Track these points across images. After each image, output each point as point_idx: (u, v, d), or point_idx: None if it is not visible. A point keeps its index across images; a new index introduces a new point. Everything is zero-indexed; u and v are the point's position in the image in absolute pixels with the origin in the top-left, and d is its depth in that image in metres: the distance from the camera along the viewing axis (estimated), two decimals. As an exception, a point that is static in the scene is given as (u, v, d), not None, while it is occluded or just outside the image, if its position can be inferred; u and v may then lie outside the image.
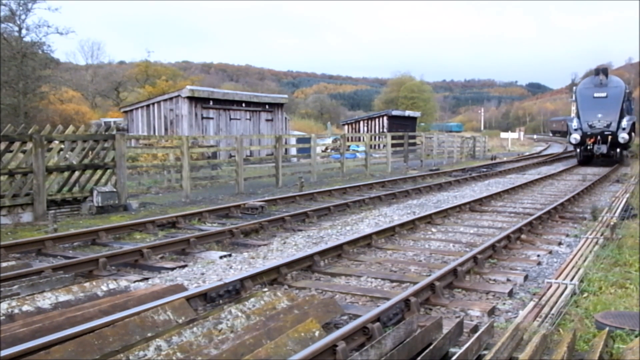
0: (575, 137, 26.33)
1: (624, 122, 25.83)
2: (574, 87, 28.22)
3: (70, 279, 6.21)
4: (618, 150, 26.10)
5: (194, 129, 29.07)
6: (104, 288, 5.67)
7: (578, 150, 26.90)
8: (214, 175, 19.53)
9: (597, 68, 28.12)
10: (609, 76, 27.61)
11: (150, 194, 15.46)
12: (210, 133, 29.63)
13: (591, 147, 25.99)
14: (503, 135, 76.91)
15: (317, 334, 4.26)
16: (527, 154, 42.05)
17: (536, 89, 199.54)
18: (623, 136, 25.52)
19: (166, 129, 29.95)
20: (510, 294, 5.95)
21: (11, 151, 11.23)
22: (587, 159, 27.38)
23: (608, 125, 25.87)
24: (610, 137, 25.66)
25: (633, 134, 26.93)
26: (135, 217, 11.07)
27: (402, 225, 9.46)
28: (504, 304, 5.66)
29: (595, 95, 26.47)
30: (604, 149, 25.69)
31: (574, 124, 26.50)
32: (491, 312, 5.32)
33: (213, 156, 21.79)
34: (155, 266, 7.16)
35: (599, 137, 25.84)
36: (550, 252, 7.98)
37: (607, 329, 4.45)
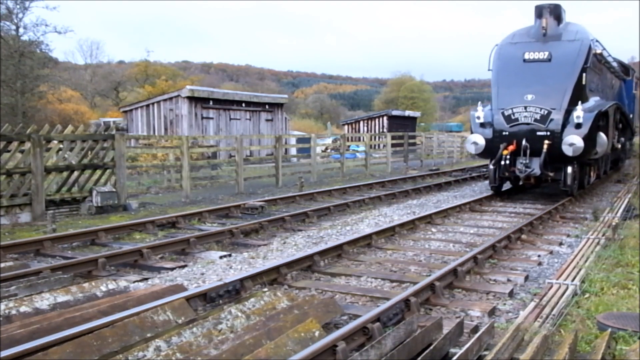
0: (476, 140, 13.02)
1: (579, 114, 12.11)
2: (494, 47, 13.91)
3: (69, 280, 6.18)
4: (570, 169, 12.58)
5: (193, 129, 29.04)
6: (103, 288, 5.64)
7: (492, 166, 13.25)
8: (214, 175, 19.50)
9: (540, 5, 13.62)
10: (563, 21, 13.69)
11: (150, 194, 15.43)
12: (210, 133, 29.60)
13: (510, 161, 12.64)
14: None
15: (317, 334, 4.24)
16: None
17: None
18: (572, 141, 11.97)
19: (166, 129, 29.92)
20: (511, 294, 5.92)
21: (9, 151, 11.19)
22: (514, 182, 14.67)
23: (543, 118, 12.43)
24: (547, 142, 12.26)
25: (601, 138, 12.68)
26: (134, 217, 11.05)
27: (402, 225, 9.43)
28: (505, 304, 5.64)
29: (528, 57, 13.05)
30: (535, 165, 12.42)
31: (478, 113, 13.22)
32: (492, 313, 5.30)
33: (213, 156, 21.76)
34: (155, 266, 7.13)
35: (524, 143, 12.39)
36: (551, 253, 7.95)
37: (609, 330, 4.42)
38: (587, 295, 5.60)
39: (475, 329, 4.67)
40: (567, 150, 11.96)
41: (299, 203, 13.38)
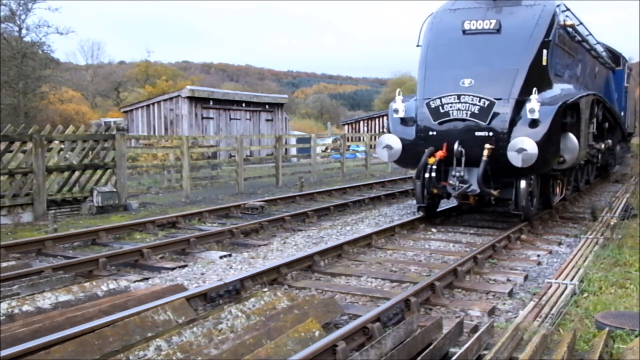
0: (389, 143, 9.44)
1: (533, 106, 8.47)
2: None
3: (70, 279, 6.21)
4: (523, 185, 9.07)
5: (194, 129, 29.07)
6: (104, 288, 5.67)
7: (418, 182, 9.51)
8: (214, 175, 19.52)
9: None
10: None
11: (150, 194, 15.45)
12: (210, 133, 29.62)
13: (439, 172, 8.98)
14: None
15: (317, 334, 4.26)
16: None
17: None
18: (521, 145, 8.34)
19: (166, 129, 29.95)
20: (511, 294, 5.95)
21: (11, 151, 11.23)
22: (449, 200, 10.98)
23: (484, 112, 8.76)
24: (489, 147, 8.60)
25: (570, 140, 9.19)
26: (135, 217, 11.07)
27: (402, 225, 9.45)
28: (504, 304, 5.66)
29: (469, 27, 9.34)
30: (472, 180, 8.80)
31: (397, 105, 9.60)
32: (491, 312, 5.32)
33: (213, 156, 21.79)
34: (155, 266, 7.16)
35: (457, 147, 8.79)
36: (550, 252, 7.98)
37: (607, 329, 4.45)
38: (585, 294, 5.63)
39: (475, 329, 4.69)
40: (515, 159, 8.30)
41: (299, 203, 13.40)
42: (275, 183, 17.83)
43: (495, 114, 8.70)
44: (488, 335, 4.31)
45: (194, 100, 29.25)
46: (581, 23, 11.45)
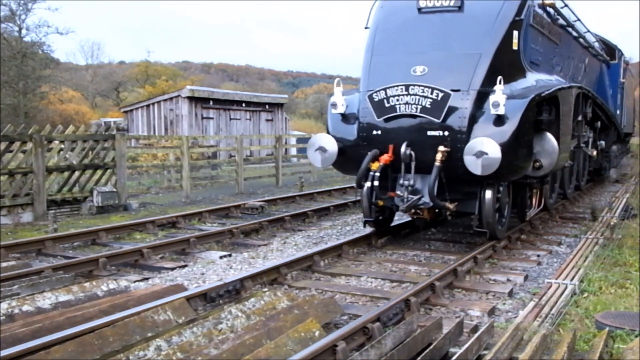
0: (323, 144, 7.72)
1: (498, 99, 6.82)
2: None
3: (70, 279, 6.21)
4: (488, 195, 7.43)
5: (194, 129, 29.07)
6: (104, 288, 5.67)
7: (365, 191, 7.76)
8: (214, 175, 19.53)
9: None
10: None
11: (150, 194, 15.45)
12: (210, 133, 29.62)
13: (378, 179, 7.17)
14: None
15: (317, 334, 4.26)
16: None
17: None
18: (481, 148, 6.71)
19: (166, 129, 29.95)
20: (510, 294, 5.95)
21: (11, 151, 11.23)
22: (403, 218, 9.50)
23: (437, 106, 7.07)
24: (443, 149, 6.99)
25: (546, 141, 7.71)
26: (135, 217, 11.07)
27: (402, 225, 9.44)
28: (504, 304, 5.66)
29: (425, 4, 7.68)
30: (425, 192, 7.10)
31: (336, 98, 7.87)
32: (491, 312, 5.33)
33: (213, 156, 21.78)
34: (155, 266, 7.16)
35: (405, 149, 7.14)
36: (550, 252, 7.97)
37: (607, 329, 4.45)
38: (585, 294, 5.63)
39: (475, 329, 4.69)
40: (472, 165, 6.76)
41: (299, 203, 13.40)
42: (275, 183, 17.84)
43: (452, 109, 7.04)
44: (488, 335, 4.31)
45: (194, 100, 29.25)
46: (566, 5, 9.99)
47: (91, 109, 56.19)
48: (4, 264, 6.77)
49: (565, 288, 5.65)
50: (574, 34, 11.06)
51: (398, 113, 7.26)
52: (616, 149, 17.21)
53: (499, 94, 6.82)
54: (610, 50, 15.57)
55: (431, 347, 3.89)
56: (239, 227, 9.21)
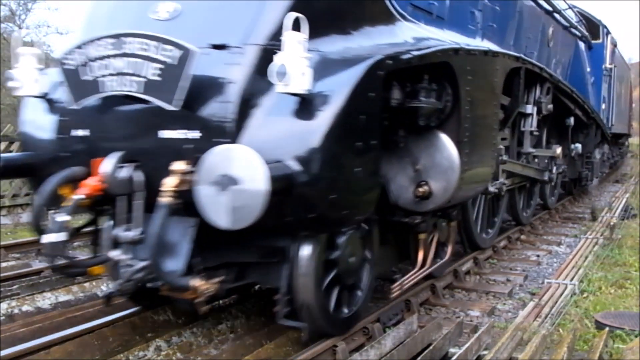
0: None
1: (285, 61, 3.07)
2: None
3: (70, 279, 6.19)
4: (306, 253, 3.51)
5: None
6: (104, 288, 5.66)
7: (48, 246, 3.44)
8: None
9: None
10: None
11: (150, 194, 15.42)
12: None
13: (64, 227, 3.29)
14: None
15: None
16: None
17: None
18: (228, 169, 2.88)
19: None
20: (510, 294, 5.94)
21: (11, 151, 11.23)
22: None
23: (172, 76, 3.17)
24: (183, 167, 3.10)
25: (426, 161, 4.31)
26: (135, 217, 11.04)
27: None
28: (504, 304, 5.66)
29: None
30: (146, 244, 3.15)
31: (13, 72, 3.84)
32: (491, 313, 5.32)
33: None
34: (155, 266, 7.13)
35: (115, 165, 3.42)
36: (550, 252, 7.97)
37: (607, 329, 4.45)
38: (585, 294, 5.63)
39: (474, 329, 4.69)
40: (210, 207, 3.00)
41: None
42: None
43: (206, 84, 3.44)
44: (488, 336, 4.31)
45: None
46: None
47: (91, 109, 56.20)
48: (4, 264, 6.77)
49: (565, 288, 5.65)
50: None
51: (102, 92, 3.54)
52: (599, 154, 12.93)
53: (295, 49, 3.23)
54: (593, 26, 11.73)
55: (431, 347, 3.89)
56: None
